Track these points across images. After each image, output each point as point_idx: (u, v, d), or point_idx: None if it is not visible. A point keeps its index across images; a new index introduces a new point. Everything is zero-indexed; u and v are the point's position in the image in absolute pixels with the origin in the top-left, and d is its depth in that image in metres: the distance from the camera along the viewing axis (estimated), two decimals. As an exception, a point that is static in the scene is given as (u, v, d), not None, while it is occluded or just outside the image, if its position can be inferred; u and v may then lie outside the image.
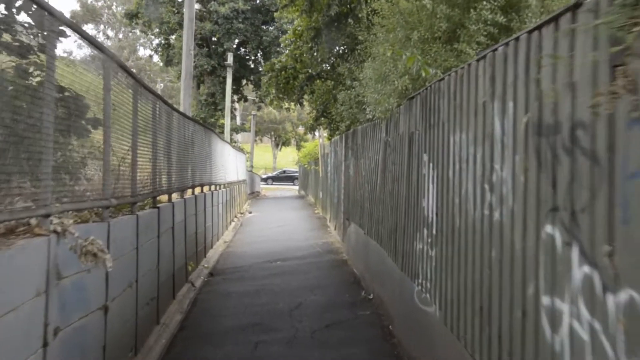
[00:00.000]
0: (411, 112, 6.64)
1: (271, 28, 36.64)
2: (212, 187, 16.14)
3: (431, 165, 5.52)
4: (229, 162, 21.56)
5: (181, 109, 17.13)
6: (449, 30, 6.69)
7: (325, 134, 18.91)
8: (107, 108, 5.53)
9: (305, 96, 15.63)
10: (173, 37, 36.39)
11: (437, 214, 5.25)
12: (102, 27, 72.75)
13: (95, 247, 4.29)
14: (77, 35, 5.13)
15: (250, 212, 25.44)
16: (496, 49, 3.73)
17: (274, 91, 15.04)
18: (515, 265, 3.35)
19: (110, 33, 73.19)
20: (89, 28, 70.53)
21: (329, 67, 14.09)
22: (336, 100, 12.59)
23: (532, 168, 3.12)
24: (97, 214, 5.76)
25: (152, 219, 7.91)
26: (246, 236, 17.63)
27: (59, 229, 4.19)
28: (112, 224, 5.65)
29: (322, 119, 14.52)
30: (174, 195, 11.10)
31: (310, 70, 14.16)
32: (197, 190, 13.53)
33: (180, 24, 35.90)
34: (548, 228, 2.92)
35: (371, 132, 10.02)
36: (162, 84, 66.32)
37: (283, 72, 14.43)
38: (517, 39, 3.36)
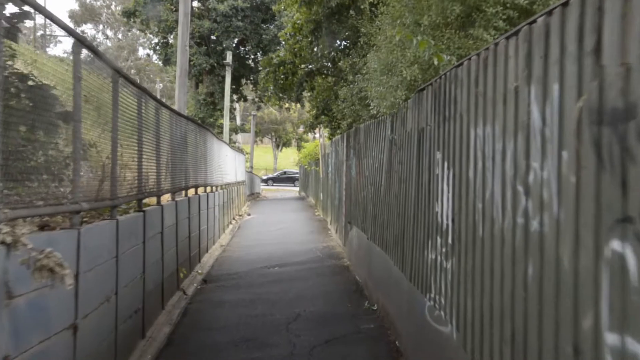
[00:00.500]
0: (421, 105, 5.97)
1: (271, 27, 35.97)
2: (208, 189, 15.49)
3: (446, 164, 4.85)
4: (226, 163, 20.90)
5: (176, 107, 16.50)
6: (462, 14, 6.03)
7: (326, 133, 18.24)
8: (77, 99, 4.86)
9: (305, 93, 14.92)
10: (171, 36, 35.72)
11: (453, 221, 4.58)
12: (101, 27, 72.27)
13: (52, 260, 3.62)
14: (42, 15, 4.48)
15: (249, 214, 24.78)
16: (534, 21, 3.05)
17: (271, 87, 14.38)
18: (562, 288, 2.67)
19: (109, 33, 72.65)
20: (87, 28, 70.15)
21: (329, 63, 13.41)
22: (337, 97, 11.94)
23: (589, 166, 2.44)
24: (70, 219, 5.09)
25: (137, 224, 7.24)
26: (244, 239, 16.96)
27: (8, 239, 3.52)
28: (84, 231, 4.98)
29: (323, 116, 13.84)
30: (165, 197, 10.46)
31: (310, 66, 13.47)
32: (192, 192, 12.88)
33: (177, 21, 35.40)
34: (615, 244, 2.24)
35: (375, 129, 9.35)
36: (161, 84, 65.72)
37: (281, 68, 13.74)
38: (565, 4, 2.68)
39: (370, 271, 9.44)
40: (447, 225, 4.75)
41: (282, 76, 13.76)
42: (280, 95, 14.91)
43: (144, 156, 7.89)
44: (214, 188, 16.49)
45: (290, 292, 9.57)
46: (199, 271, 11.93)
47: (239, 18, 34.08)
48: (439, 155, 5.11)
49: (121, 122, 6.54)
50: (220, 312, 8.56)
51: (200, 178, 13.60)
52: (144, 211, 7.58)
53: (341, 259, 12.62)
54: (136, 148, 7.43)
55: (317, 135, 62.89)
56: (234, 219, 22.41)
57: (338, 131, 15.52)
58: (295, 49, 13.18)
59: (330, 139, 18.25)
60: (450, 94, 4.73)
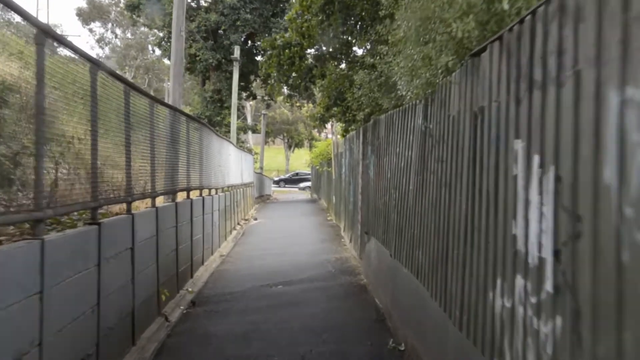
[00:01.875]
0: (478, 75, 4.09)
1: (281, 20, 34.13)
2: (205, 192, 13.67)
3: (537, 159, 2.96)
4: (231, 163, 19.09)
5: (170, 101, 14.69)
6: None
7: (339, 128, 16.34)
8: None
9: (314, 83, 12.99)
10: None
11: (557, 255, 2.69)
12: (109, 25, 70.79)
13: None
14: None
15: (255, 219, 22.93)
16: None
17: (275, 74, 12.44)
18: None
19: (118, 31, 71.14)
20: (96, 26, 68.63)
21: (342, 46, 11.47)
22: (352, 83, 10.05)
23: None
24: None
25: (84, 241, 5.40)
26: (247, 248, 15.11)
27: None
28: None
29: (335, 108, 11.91)
30: (139, 204, 8.67)
31: (321, 47, 11.54)
32: (183, 195, 11.07)
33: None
34: None
35: (400, 119, 7.47)
36: (169, 83, 64.07)
37: (287, 51, 11.82)
38: None
39: (395, 297, 7.54)
40: (541, 260, 2.86)
41: (288, 60, 11.84)
42: (285, 82, 12.97)
43: (104, 151, 6.07)
44: (213, 191, 14.67)
45: (294, 322, 7.70)
46: (189, 289, 10.11)
47: (248, 10, 32.29)
48: (519, 145, 3.22)
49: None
50: (203, 353, 6.69)
51: (194, 179, 11.78)
52: (98, 223, 5.73)
53: (357, 275, 10.72)
54: (90, 140, 5.61)
55: (329, 134, 61.13)
56: (238, 224, 20.60)
57: (353, 126, 13.65)
58: (303, 29, 11.28)
59: (343, 135, 16.37)
60: (549, 41, 2.84)
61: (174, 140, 9.86)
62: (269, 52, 12.16)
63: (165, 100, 11.69)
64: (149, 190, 8.30)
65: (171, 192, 9.65)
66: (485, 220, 3.84)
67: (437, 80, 5.20)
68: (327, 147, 24.00)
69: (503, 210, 3.49)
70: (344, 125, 13.54)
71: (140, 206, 8.80)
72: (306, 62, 11.89)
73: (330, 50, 11.57)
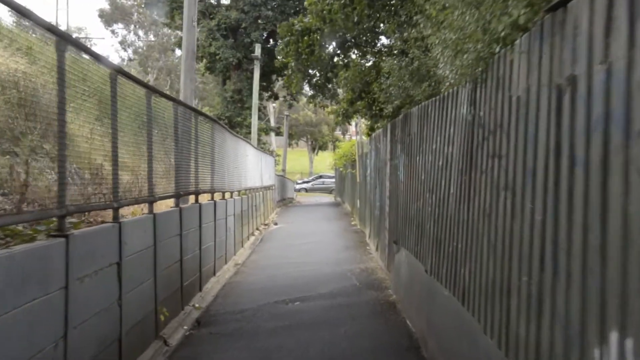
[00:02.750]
0: (565, 33, 2.88)
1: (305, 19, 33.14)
2: (218, 195, 12.59)
3: None
4: (248, 165, 18.00)
5: (182, 97, 13.64)
6: None
7: (364, 127, 15.13)
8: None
9: (335, 76, 11.71)
10: (197, 28, 33.09)
11: None
12: (132, 27, 70.41)
13: None
14: None
15: (276, 224, 21.81)
16: None
17: (292, 63, 11.24)
18: None
19: (140, 33, 70.73)
20: (118, 27, 68.26)
21: (367, 32, 10.18)
22: (379, 73, 8.84)
23: None
24: None
25: (42, 259, 4.29)
26: (264, 257, 13.98)
27: None
28: None
29: (360, 102, 10.65)
30: (132, 210, 7.61)
31: (344, 34, 10.27)
32: (192, 199, 10.01)
33: (203, 12, 32.76)
34: None
35: (437, 110, 6.27)
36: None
37: (306, 38, 10.58)
38: None
39: (431, 322, 6.31)
40: None
41: (307, 49, 10.61)
42: (304, 74, 11.73)
43: (76, 145, 4.98)
44: (227, 194, 13.58)
45: (311, 350, 6.52)
46: (196, 305, 8.99)
47: (269, 7, 31.25)
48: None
49: None
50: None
51: (204, 182, 10.68)
52: (65, 236, 4.62)
53: (384, 289, 9.50)
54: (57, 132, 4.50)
55: (353, 135, 59.91)
56: (257, 229, 19.50)
57: (379, 123, 12.44)
58: (324, 13, 10.06)
59: (368, 135, 15.16)
60: None
61: (178, 138, 8.76)
62: (286, 39, 10.98)
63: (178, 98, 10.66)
64: (146, 194, 7.20)
65: (174, 196, 8.54)
66: (582, 239, 2.62)
67: (494, 51, 3.98)
68: (350, 148, 22.80)
69: (620, 227, 2.27)
70: (369, 122, 12.32)
71: (139, 212, 7.74)
72: (327, 50, 10.67)
73: (354, 37, 10.31)
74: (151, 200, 7.29)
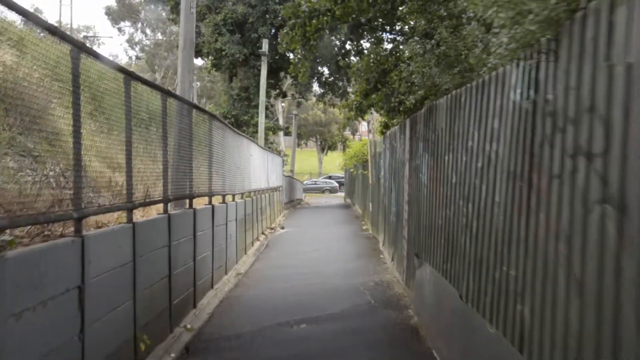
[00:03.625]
0: None
1: (314, 13, 31.89)
2: (218, 199, 11.45)
3: None
4: (254, 165, 16.84)
5: (178, 90, 12.50)
6: None
7: (377, 124, 13.90)
8: None
9: (348, 66, 10.39)
10: (202, 23, 31.96)
11: None
12: (139, 25, 69.41)
13: None
14: None
15: (282, 228, 20.62)
16: None
17: (298, 49, 9.98)
18: None
19: (148, 31, 69.71)
20: (125, 25, 67.27)
21: (384, 14, 8.92)
22: (399, 59, 7.62)
23: None
24: None
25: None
26: (269, 265, 12.80)
27: None
28: None
29: (376, 94, 9.35)
30: (115, 217, 6.48)
31: (358, 16, 8.99)
32: (169, 205, 8.87)
33: (208, 7, 31.63)
34: None
35: (475, 99, 5.07)
36: (198, 83, 62.38)
37: (314, 21, 9.31)
38: None
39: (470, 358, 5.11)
40: None
41: (315, 34, 9.35)
42: (312, 62, 10.45)
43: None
44: (229, 197, 12.43)
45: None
46: (188, 325, 7.83)
47: (277, 1, 30.05)
48: None
49: None
50: None
51: (200, 185, 9.52)
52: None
53: (403, 309, 8.29)
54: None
55: (363, 132, 58.61)
56: (263, 233, 18.33)
57: (396, 119, 11.22)
58: (334, -8, 8.84)
59: (382, 133, 13.95)
60: None
61: (168, 135, 7.59)
62: (291, 22, 9.77)
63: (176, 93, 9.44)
64: (123, 200, 6.05)
65: (162, 201, 7.38)
66: None
67: (580, 5, 2.79)
68: (362, 147, 21.57)
69: None
70: (384, 118, 11.09)
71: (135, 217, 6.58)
72: (338, 35, 9.41)
73: (369, 20, 9.04)
74: (129, 207, 6.13)
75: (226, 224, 11.61)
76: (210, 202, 10.38)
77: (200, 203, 10.45)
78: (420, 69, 6.88)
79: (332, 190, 52.98)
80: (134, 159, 6.25)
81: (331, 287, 9.96)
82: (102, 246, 5.23)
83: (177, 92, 11.39)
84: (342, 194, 49.31)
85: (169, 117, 7.64)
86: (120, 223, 6.23)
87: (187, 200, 9.06)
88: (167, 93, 7.60)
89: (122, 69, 6.07)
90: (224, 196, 11.74)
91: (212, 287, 10.18)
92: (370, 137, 17.20)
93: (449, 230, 5.96)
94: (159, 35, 68.72)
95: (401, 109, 8.69)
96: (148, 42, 68.11)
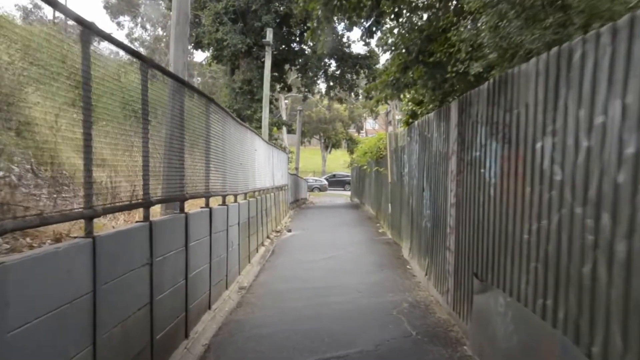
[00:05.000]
0: None
1: (320, 1, 29.95)
2: (216, 200, 9.66)
3: None
4: (259, 162, 14.99)
5: (171, 70, 10.63)
6: None
7: (404, 111, 12.00)
8: None
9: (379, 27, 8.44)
10: (203, 12, 30.08)
11: None
12: (139, 19, 67.46)
13: None
14: None
15: (289, 231, 18.73)
16: None
17: (319, 9, 8.06)
18: None
19: (148, 26, 67.75)
20: (125, 20, 65.36)
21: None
22: (460, 16, 5.69)
23: None
24: None
25: None
26: (276, 277, 10.93)
27: None
28: None
29: (417, 68, 7.39)
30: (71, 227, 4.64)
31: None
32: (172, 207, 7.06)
33: (209, -6, 29.76)
34: None
35: (613, 52, 3.21)
36: (199, 78, 60.51)
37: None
38: None
39: None
40: None
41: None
42: (333, 28, 8.58)
43: None
44: (230, 198, 10.61)
45: None
46: (176, 366, 5.99)
47: (282, -13, 28.23)
48: None
49: None
50: None
51: (193, 184, 7.68)
52: None
53: (456, 344, 6.39)
54: None
55: (368, 130, 56.70)
56: (268, 237, 16.49)
57: (424, 107, 9.40)
58: None
59: (408, 123, 12.09)
60: None
61: (148, 118, 5.73)
62: (309, -27, 7.91)
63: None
64: (80, 207, 4.22)
65: (146, 205, 5.54)
66: None
67: None
68: (377, 142, 19.68)
69: None
70: (430, 95, 9.15)
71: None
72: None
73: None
74: (88, 215, 4.28)
75: (227, 229, 9.77)
76: (207, 204, 8.54)
77: (196, 205, 8.64)
78: (492, 25, 5.02)
79: (322, 189, 51.43)
80: (96, 145, 4.41)
81: (355, 308, 8.10)
82: (35, 277, 3.41)
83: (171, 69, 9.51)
84: (348, 193, 47.50)
85: (151, 96, 5.78)
86: (75, 237, 4.38)
87: (180, 202, 7.22)
88: (148, 63, 5.73)
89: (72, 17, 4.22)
90: (224, 197, 9.89)
91: (209, 307, 8.34)
92: (390, 129, 15.31)
93: (550, 249, 4.10)
94: (160, 31, 66.84)
95: (454, 83, 6.82)
96: (148, 37, 66.22)
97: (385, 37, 8.16)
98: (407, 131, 12.01)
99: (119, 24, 61.55)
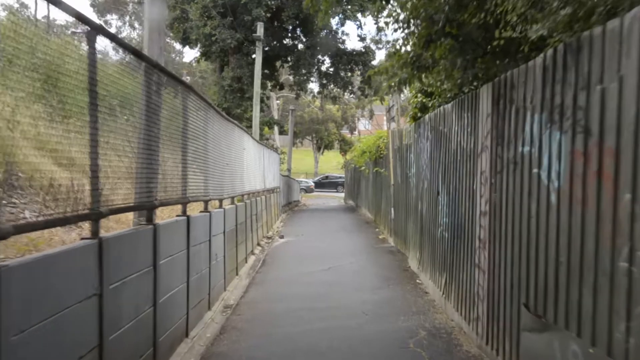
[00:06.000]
0: None
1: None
2: (196, 207, 8.32)
3: None
4: (248, 162, 13.59)
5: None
6: None
7: (412, 103, 10.61)
8: None
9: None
10: (190, 5, 28.61)
11: None
12: (127, 18, 65.82)
13: None
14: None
15: (282, 237, 17.30)
16: None
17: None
18: None
19: (137, 25, 66.11)
20: (112, 18, 63.62)
21: None
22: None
23: None
24: None
25: None
26: (266, 295, 9.52)
27: None
28: None
29: (439, 44, 5.91)
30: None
31: None
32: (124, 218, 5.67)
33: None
34: None
35: None
36: (188, 77, 58.96)
37: None
38: None
39: None
40: None
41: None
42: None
43: None
44: (215, 203, 9.24)
45: None
46: None
47: (273, -22, 26.83)
48: None
49: None
50: None
51: (167, 188, 6.28)
52: None
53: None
54: None
55: (361, 131, 55.63)
56: (258, 244, 15.08)
57: (435, 100, 8.04)
58: None
59: (415, 118, 10.73)
60: None
61: (97, 103, 4.30)
62: None
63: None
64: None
65: (80, 218, 4.13)
66: None
67: None
68: (376, 141, 18.28)
69: None
70: (433, 93, 7.81)
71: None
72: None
73: None
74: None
75: (210, 240, 8.36)
76: (184, 212, 7.13)
77: (173, 212, 7.26)
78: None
79: (308, 190, 50.38)
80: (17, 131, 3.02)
81: (364, 338, 6.70)
82: None
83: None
84: (341, 195, 46.15)
85: (103, 75, 4.37)
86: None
87: (147, 211, 5.81)
88: (96, 28, 4.30)
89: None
90: (206, 202, 8.47)
91: (187, 334, 6.93)
92: (392, 126, 13.92)
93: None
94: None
95: (489, 61, 5.44)
96: (136, 36, 64.62)
97: (395, 13, 6.75)
98: (415, 127, 10.65)
99: (106, 22, 59.70)
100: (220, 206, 9.70)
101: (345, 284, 9.90)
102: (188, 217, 7.05)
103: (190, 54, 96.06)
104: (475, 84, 6.38)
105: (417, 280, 9.91)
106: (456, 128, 7.28)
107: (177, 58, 62.80)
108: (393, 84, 6.43)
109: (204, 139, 8.22)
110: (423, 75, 6.28)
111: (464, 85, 6.31)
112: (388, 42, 31.64)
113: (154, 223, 5.72)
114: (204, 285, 8.01)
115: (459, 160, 7.16)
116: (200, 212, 8.36)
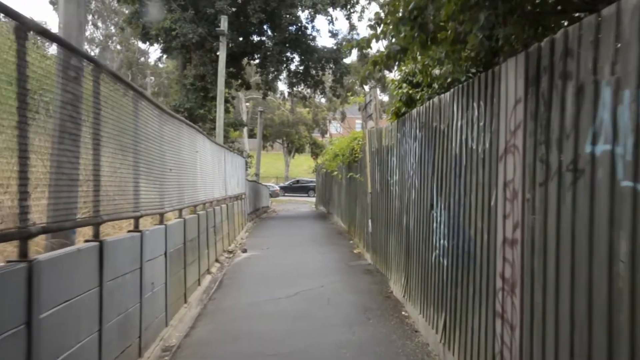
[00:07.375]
0: None
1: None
2: (124, 225, 6.45)
3: None
4: (203, 167, 11.70)
5: (62, 32, 7.36)
6: None
7: (397, 95, 8.86)
8: None
9: None
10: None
11: None
12: (90, 17, 63.05)
13: None
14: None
15: (244, 251, 15.36)
16: None
17: None
18: None
19: (99, 24, 63.38)
20: (73, 16, 60.73)
21: None
22: None
23: None
24: None
25: None
26: (219, 333, 7.63)
27: None
28: None
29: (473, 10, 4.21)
30: None
31: None
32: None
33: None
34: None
35: None
36: (152, 78, 56.62)
37: None
38: None
39: None
40: None
41: None
42: None
43: None
44: (151, 219, 7.37)
45: None
46: None
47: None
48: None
49: None
50: None
51: (66, 201, 4.39)
52: None
53: None
54: None
55: (333, 133, 54.12)
56: (217, 260, 13.19)
57: (422, 91, 6.35)
58: None
59: (398, 115, 8.99)
60: None
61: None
62: None
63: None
64: None
65: None
66: None
67: None
68: (351, 143, 16.47)
69: None
70: (420, 83, 6.08)
71: None
72: None
73: None
74: None
75: (141, 267, 6.47)
76: (97, 236, 5.24)
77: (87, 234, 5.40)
78: None
79: (273, 195, 48.54)
80: None
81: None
82: None
83: (60, 33, 6.22)
84: (312, 200, 44.40)
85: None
86: None
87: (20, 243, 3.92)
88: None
89: None
90: (136, 219, 6.58)
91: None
92: (370, 124, 12.15)
93: None
94: (112, 29, 62.57)
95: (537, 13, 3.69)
96: (99, 35, 61.98)
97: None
98: (398, 125, 8.90)
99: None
100: (161, 222, 7.80)
101: (315, 318, 8.07)
102: (101, 242, 5.16)
103: (155, 55, 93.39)
104: (478, 69, 4.61)
105: (403, 312, 8.13)
106: (460, 123, 5.53)
107: (142, 59, 60.24)
108: (380, 60, 4.67)
109: (132, 138, 6.34)
110: (428, 41, 4.45)
111: (478, 61, 4.54)
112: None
113: (29, 260, 3.83)
114: (131, 327, 6.13)
115: (465, 165, 5.39)
116: (129, 232, 6.48)
